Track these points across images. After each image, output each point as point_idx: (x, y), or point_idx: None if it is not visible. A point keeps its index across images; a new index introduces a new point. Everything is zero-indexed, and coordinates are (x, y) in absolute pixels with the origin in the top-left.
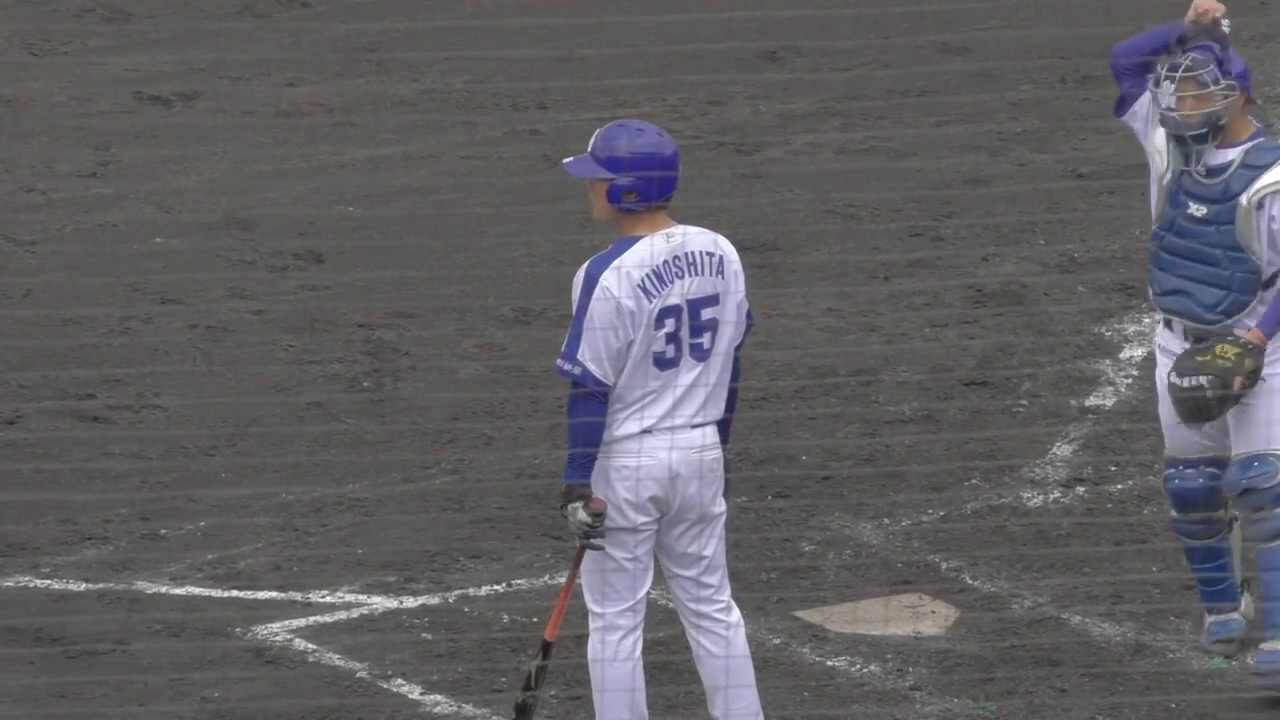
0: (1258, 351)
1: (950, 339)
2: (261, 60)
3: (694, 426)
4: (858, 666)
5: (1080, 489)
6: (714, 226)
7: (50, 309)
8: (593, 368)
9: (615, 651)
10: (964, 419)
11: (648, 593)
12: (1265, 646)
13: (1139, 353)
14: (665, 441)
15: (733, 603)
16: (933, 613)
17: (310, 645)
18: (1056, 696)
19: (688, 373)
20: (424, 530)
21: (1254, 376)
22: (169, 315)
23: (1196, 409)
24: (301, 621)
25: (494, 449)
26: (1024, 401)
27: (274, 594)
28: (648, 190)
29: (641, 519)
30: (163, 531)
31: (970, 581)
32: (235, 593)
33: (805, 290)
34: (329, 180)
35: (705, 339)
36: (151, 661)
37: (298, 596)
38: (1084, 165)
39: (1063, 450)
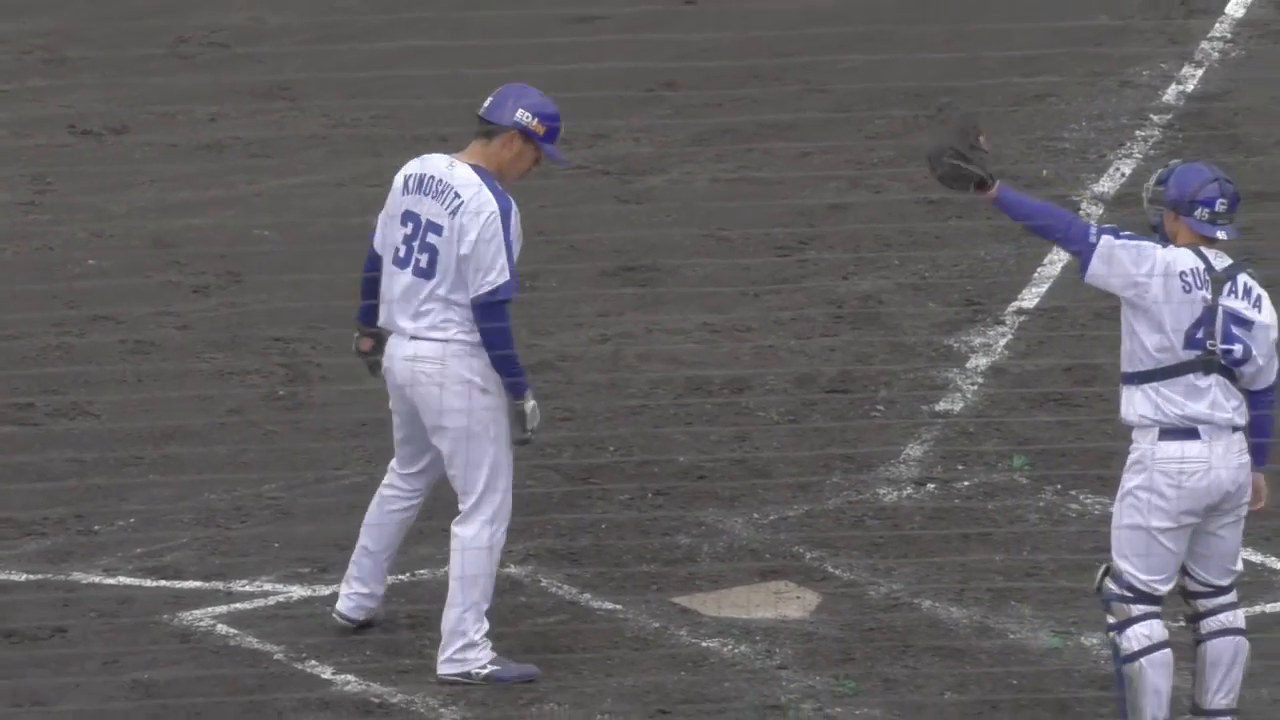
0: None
1: (813, 350)
2: (185, 97)
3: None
4: (729, 647)
5: (931, 486)
6: (597, 248)
7: None
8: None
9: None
10: (826, 423)
11: None
12: None
13: (983, 362)
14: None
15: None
16: (797, 598)
17: (231, 630)
18: (910, 673)
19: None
20: (335, 525)
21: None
22: (101, 330)
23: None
24: (223, 609)
25: None
26: (880, 407)
27: (198, 584)
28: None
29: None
30: (96, 527)
31: (831, 570)
32: (162, 583)
33: (682, 307)
34: (246, 207)
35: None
36: (86, 645)
37: (220, 586)
38: (933, 192)
39: (915, 451)
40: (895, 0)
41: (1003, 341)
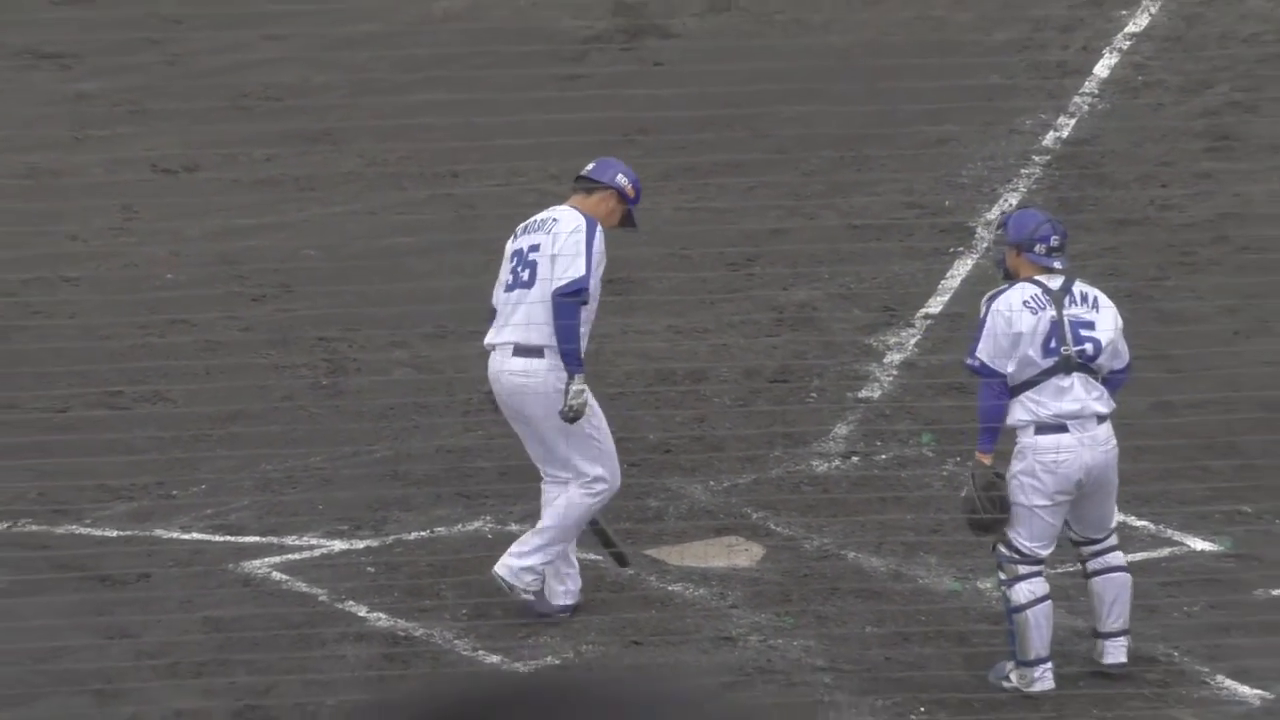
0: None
1: (759, 348)
2: (245, 141)
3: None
4: (690, 590)
5: (855, 459)
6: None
7: (89, 327)
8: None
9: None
10: (769, 407)
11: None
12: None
13: (897, 358)
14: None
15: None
16: (746, 550)
17: (284, 576)
18: (838, 611)
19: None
20: (368, 491)
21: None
22: (177, 331)
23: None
24: (277, 559)
25: (420, 431)
26: (813, 394)
27: (256, 538)
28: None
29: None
30: (173, 492)
31: (774, 528)
32: (227, 538)
33: (651, 312)
34: (295, 231)
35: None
36: (166, 589)
37: (274, 540)
38: (857, 219)
39: (841, 430)
40: (825, 63)
41: (913, 341)
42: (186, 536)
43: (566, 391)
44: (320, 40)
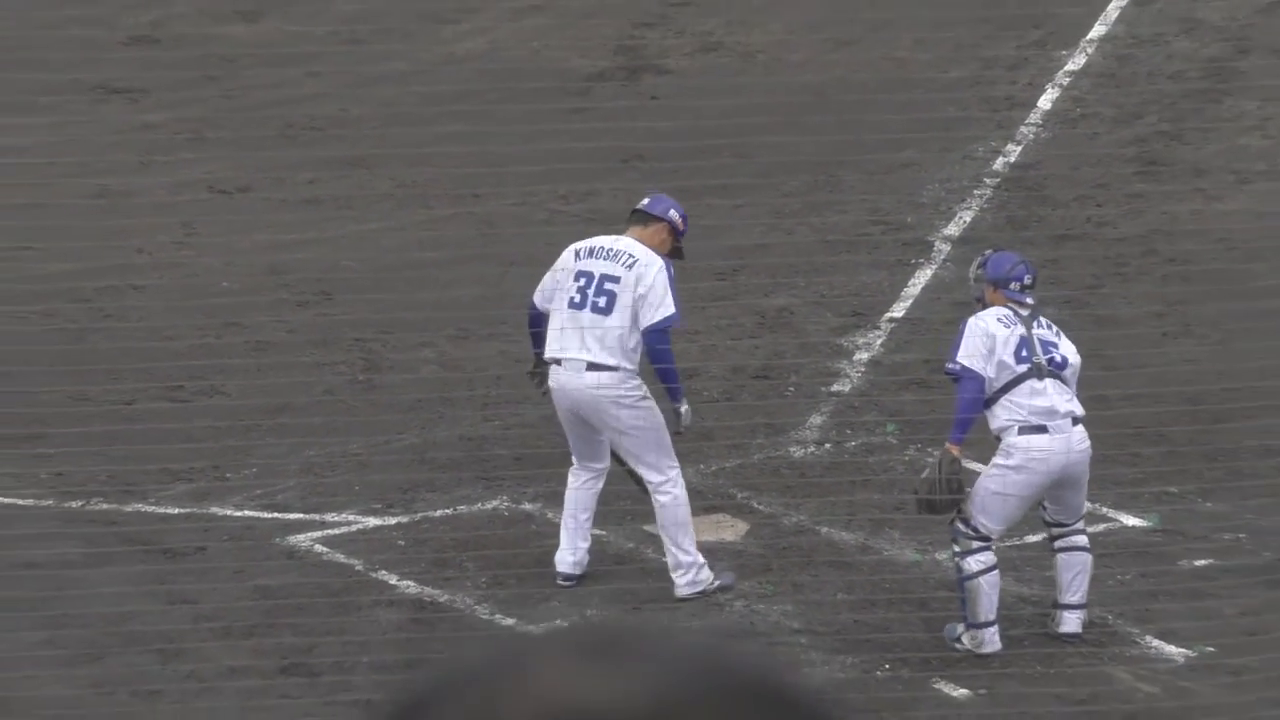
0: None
1: (743, 348)
2: (291, 166)
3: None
4: None
5: (827, 445)
6: None
7: (153, 329)
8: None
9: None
10: (752, 400)
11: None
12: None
13: (865, 356)
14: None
15: (661, 484)
16: (732, 526)
17: (324, 549)
18: (812, 580)
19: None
20: (398, 474)
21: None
22: (231, 333)
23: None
24: (318, 534)
25: (444, 421)
26: (791, 388)
27: (300, 516)
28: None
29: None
30: (227, 475)
31: (757, 506)
32: (275, 515)
33: None
34: (335, 245)
35: (603, 300)
36: (220, 560)
37: (316, 517)
38: (829, 234)
39: (816, 420)
40: (801, 98)
41: (878, 341)
42: (239, 514)
43: (677, 413)
44: (356, 77)
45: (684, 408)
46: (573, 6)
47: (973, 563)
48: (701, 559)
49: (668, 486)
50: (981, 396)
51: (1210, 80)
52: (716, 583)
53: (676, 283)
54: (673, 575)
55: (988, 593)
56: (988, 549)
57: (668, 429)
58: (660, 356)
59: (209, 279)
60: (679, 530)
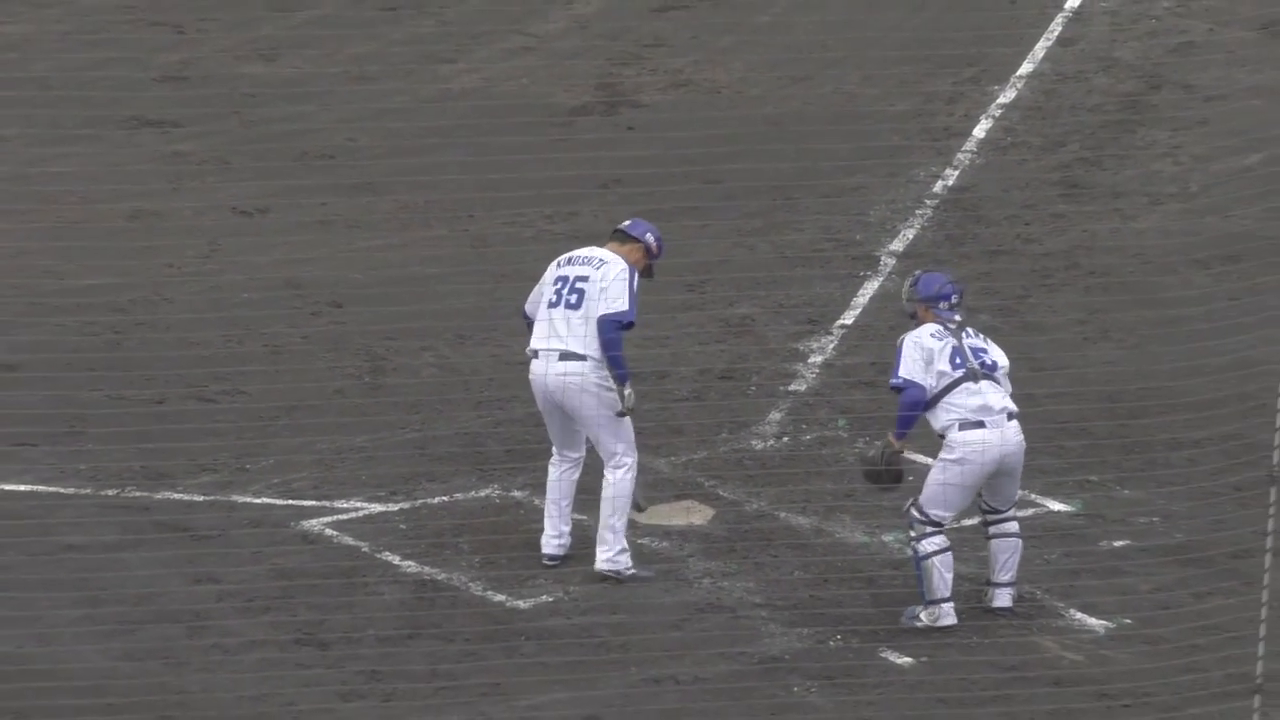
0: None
1: (710, 352)
2: (305, 190)
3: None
4: (656, 543)
5: (785, 439)
6: None
7: (182, 337)
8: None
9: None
10: (719, 398)
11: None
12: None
13: (819, 359)
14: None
15: (618, 459)
16: (700, 511)
17: (334, 532)
18: (773, 560)
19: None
20: (401, 464)
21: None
22: (252, 340)
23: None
24: (329, 519)
25: (442, 417)
26: (753, 387)
27: (313, 502)
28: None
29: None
30: (247, 466)
31: (722, 494)
32: (290, 501)
33: None
34: (345, 260)
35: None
36: (241, 542)
37: (327, 504)
38: (788, 250)
39: (775, 417)
40: (761, 129)
41: (831, 346)
42: (258, 501)
43: (621, 396)
44: (363, 111)
45: (628, 391)
46: (558, 47)
47: (927, 545)
48: (626, 545)
49: (623, 463)
50: (923, 401)
51: (1126, 112)
52: (632, 571)
53: (639, 290)
54: (597, 549)
55: (941, 572)
56: (940, 533)
57: (616, 409)
58: (609, 344)
59: (232, 291)
60: (619, 504)
